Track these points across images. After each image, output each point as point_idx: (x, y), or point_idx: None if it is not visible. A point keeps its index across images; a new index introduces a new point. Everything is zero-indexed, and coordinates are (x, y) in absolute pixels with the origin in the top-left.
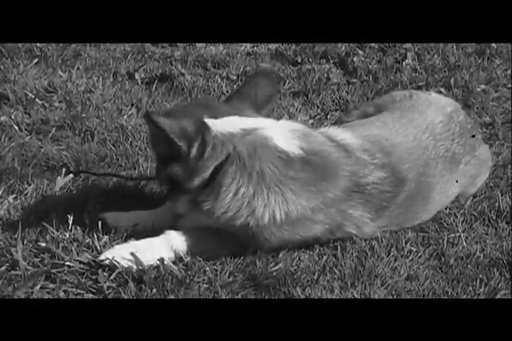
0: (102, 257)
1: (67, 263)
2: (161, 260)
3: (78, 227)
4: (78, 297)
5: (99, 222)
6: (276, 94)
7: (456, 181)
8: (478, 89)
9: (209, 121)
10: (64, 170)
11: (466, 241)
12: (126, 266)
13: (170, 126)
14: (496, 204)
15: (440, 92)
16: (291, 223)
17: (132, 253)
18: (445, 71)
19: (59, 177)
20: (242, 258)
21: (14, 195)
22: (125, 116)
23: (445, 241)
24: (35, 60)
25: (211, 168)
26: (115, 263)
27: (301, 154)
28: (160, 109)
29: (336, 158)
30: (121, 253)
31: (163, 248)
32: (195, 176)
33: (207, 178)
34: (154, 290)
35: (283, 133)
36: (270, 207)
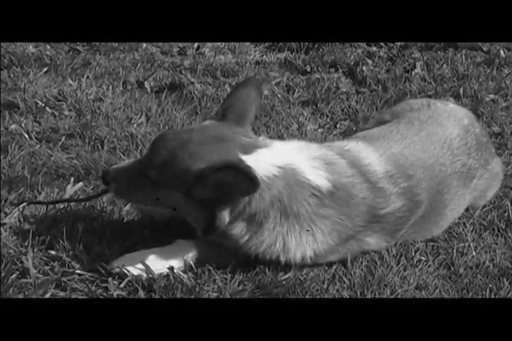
0: (112, 265)
1: (78, 271)
2: (171, 268)
3: (88, 235)
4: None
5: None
6: (260, 103)
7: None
8: (487, 99)
9: (248, 161)
10: (73, 178)
11: (475, 251)
12: (136, 274)
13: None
14: (506, 214)
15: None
16: (316, 257)
17: (143, 262)
18: (454, 80)
19: (69, 186)
20: (251, 267)
21: (25, 204)
22: (135, 125)
23: (454, 251)
24: (45, 69)
25: (254, 211)
26: (125, 271)
27: (330, 188)
28: (170, 119)
29: (359, 191)
30: (131, 262)
31: (174, 257)
32: (240, 220)
33: (250, 221)
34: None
35: (310, 164)
36: (302, 247)
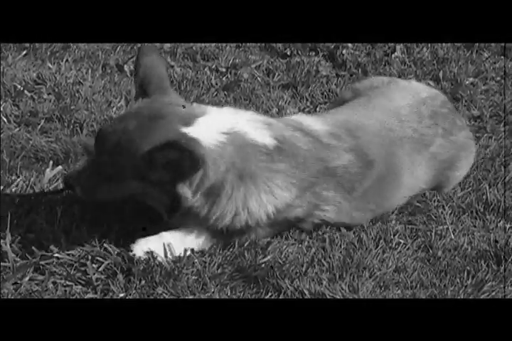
0: (134, 251)
1: (56, 255)
2: (150, 252)
3: (67, 219)
4: (67, 289)
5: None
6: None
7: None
8: (467, 82)
9: (192, 133)
10: (52, 162)
11: (453, 234)
12: (160, 258)
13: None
14: (484, 197)
15: (429, 85)
16: (278, 213)
17: (164, 245)
18: (434, 64)
19: (48, 170)
20: (230, 250)
21: (2, 187)
22: (114, 108)
23: (433, 234)
24: (24, 52)
25: (213, 182)
26: (149, 256)
27: (276, 144)
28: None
29: (303, 143)
30: (152, 246)
31: (188, 238)
32: (200, 194)
33: (208, 191)
34: (143, 281)
35: (252, 125)
36: (264, 206)
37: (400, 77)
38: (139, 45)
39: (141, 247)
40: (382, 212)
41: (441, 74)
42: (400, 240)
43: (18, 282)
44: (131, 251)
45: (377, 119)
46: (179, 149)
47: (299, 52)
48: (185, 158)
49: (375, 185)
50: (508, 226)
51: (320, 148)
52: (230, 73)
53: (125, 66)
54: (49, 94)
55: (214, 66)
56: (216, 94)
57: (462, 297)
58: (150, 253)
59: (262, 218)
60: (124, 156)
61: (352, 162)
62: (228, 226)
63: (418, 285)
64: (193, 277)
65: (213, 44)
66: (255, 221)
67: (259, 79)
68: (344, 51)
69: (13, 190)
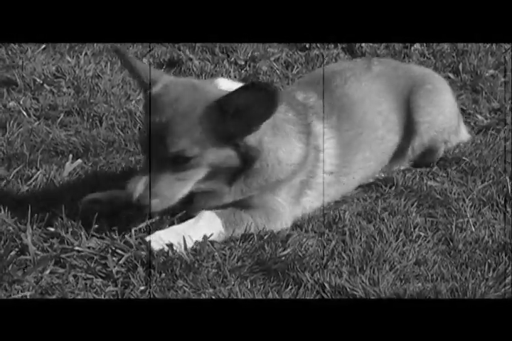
0: (154, 246)
1: (77, 248)
2: (170, 245)
3: (87, 212)
4: (87, 282)
5: None
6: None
7: None
8: (487, 74)
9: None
10: (72, 155)
11: (474, 226)
12: (178, 250)
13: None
14: (505, 189)
15: (449, 77)
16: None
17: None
18: (453, 56)
19: (67, 163)
20: (250, 242)
21: (23, 181)
22: (133, 102)
23: (453, 226)
24: (43, 46)
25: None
26: (167, 248)
27: None
28: None
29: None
30: (169, 239)
31: (209, 228)
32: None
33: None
34: (163, 274)
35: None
36: (290, 156)
37: None
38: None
39: (158, 239)
40: None
41: (461, 67)
42: (421, 233)
43: (39, 275)
44: (148, 243)
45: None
46: (259, 88)
47: (318, 44)
48: (263, 97)
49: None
50: None
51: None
52: (249, 66)
53: (144, 59)
54: (68, 87)
55: (233, 59)
56: None
57: (483, 290)
58: (170, 246)
59: (288, 170)
60: (190, 125)
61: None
62: (262, 184)
63: (439, 278)
64: (213, 270)
65: None
66: (285, 173)
67: (277, 71)
68: (363, 44)
69: (33, 183)
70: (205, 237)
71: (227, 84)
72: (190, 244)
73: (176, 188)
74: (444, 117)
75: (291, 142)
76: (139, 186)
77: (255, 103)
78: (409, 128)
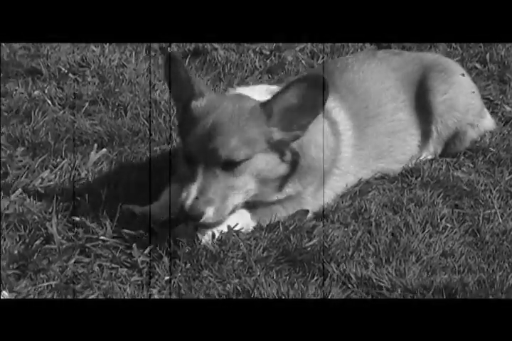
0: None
1: (102, 237)
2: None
3: (112, 202)
4: (112, 271)
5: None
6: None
7: None
8: None
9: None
10: (96, 145)
11: (501, 218)
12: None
13: None
14: None
15: (476, 68)
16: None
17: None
18: (480, 46)
19: (92, 152)
20: (276, 233)
21: (48, 170)
22: (158, 91)
23: (481, 218)
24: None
25: None
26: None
27: None
28: None
29: None
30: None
31: (239, 220)
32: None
33: None
34: (188, 265)
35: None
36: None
37: None
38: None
39: (208, 234)
40: None
41: (488, 57)
42: (447, 224)
43: (64, 264)
44: (199, 239)
45: None
46: (305, 81)
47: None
48: (312, 88)
49: None
50: None
51: None
52: (274, 56)
53: (169, 49)
54: (93, 76)
55: (258, 49)
56: (260, 77)
57: (511, 282)
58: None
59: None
60: (237, 128)
61: None
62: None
63: (466, 270)
64: (239, 260)
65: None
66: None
67: (303, 61)
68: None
69: (58, 172)
70: (229, 227)
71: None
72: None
73: (230, 198)
74: (464, 97)
75: (321, 125)
76: (190, 194)
77: (304, 99)
78: (427, 111)
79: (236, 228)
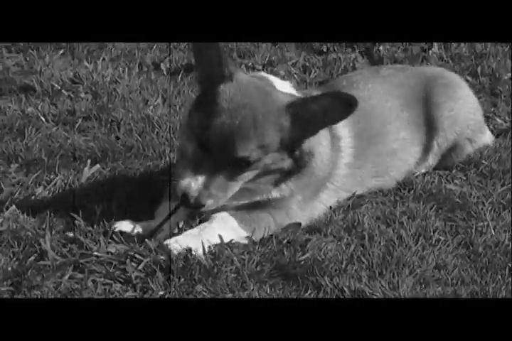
0: (173, 251)
1: (95, 253)
2: (189, 250)
3: (106, 218)
4: (106, 287)
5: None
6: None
7: None
8: (506, 77)
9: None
10: (90, 160)
11: (494, 230)
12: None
13: None
14: None
15: (467, 81)
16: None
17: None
18: (472, 59)
19: (86, 168)
20: (269, 247)
21: (42, 186)
22: (151, 107)
23: (473, 230)
24: (61, 51)
25: None
26: (188, 253)
27: None
28: (185, 99)
29: None
30: (187, 242)
31: (225, 229)
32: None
33: None
34: (182, 279)
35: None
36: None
37: None
38: (175, 43)
39: (175, 243)
40: None
41: (479, 70)
42: (440, 237)
43: (58, 280)
44: (168, 247)
45: None
46: (340, 97)
47: (336, 48)
48: (342, 105)
49: None
50: None
51: None
52: (267, 70)
53: (161, 64)
54: (86, 92)
55: (250, 63)
56: None
57: (504, 294)
58: (188, 250)
59: (327, 167)
60: (262, 131)
61: None
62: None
63: (459, 282)
64: (232, 275)
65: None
66: (324, 170)
67: (295, 76)
68: (381, 47)
69: (52, 189)
70: (221, 239)
71: (285, 86)
72: (207, 247)
73: (230, 189)
74: (467, 113)
75: (326, 136)
76: (197, 186)
77: (330, 111)
78: (430, 126)
79: (226, 239)
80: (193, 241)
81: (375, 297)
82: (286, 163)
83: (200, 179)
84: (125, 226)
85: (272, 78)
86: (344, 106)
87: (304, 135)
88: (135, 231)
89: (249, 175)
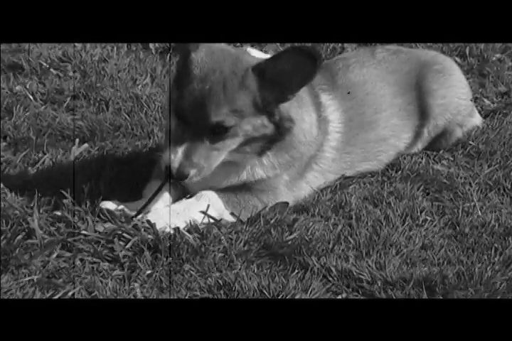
0: (156, 225)
1: (83, 232)
2: (176, 229)
3: (93, 197)
4: (94, 265)
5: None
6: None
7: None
8: (494, 58)
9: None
10: (78, 139)
11: (481, 211)
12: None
13: None
14: (511, 174)
15: (455, 62)
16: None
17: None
18: None
19: (74, 147)
20: (257, 227)
21: (30, 165)
22: (140, 86)
23: (460, 211)
24: None
25: None
26: (175, 232)
27: None
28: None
29: None
30: (160, 217)
31: (210, 209)
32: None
33: None
34: (170, 258)
35: None
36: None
37: None
38: None
39: (159, 218)
40: None
41: (467, 51)
42: (427, 217)
43: (46, 259)
44: (150, 222)
45: None
46: (300, 51)
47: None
48: (305, 60)
49: None
50: None
51: None
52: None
53: (150, 44)
54: (74, 71)
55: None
56: None
57: (489, 274)
58: (176, 229)
59: (312, 144)
60: (232, 94)
61: None
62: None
63: (445, 262)
64: (220, 254)
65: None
66: (308, 148)
67: None
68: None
69: (40, 167)
70: (210, 218)
71: (259, 54)
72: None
73: (213, 158)
74: (458, 99)
75: (310, 113)
76: (177, 157)
77: (296, 67)
78: (422, 113)
79: (211, 214)
80: (176, 216)
81: (361, 277)
82: (269, 130)
83: (180, 150)
84: (110, 205)
85: (250, 49)
86: (308, 59)
87: (276, 96)
88: (120, 209)
89: (231, 143)
